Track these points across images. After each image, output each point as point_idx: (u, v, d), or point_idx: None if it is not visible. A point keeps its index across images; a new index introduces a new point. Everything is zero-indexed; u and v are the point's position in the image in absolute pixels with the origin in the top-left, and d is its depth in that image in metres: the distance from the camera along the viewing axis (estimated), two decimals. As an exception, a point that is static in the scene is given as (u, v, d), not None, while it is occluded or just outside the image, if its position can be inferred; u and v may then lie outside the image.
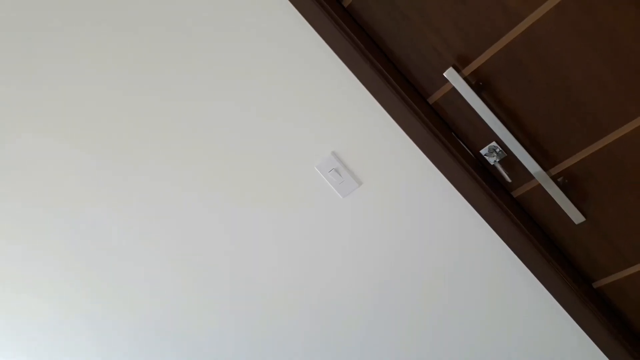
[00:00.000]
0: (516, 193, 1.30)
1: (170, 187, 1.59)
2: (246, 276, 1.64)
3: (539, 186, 1.25)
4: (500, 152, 1.25)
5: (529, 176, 1.25)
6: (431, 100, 1.28)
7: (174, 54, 1.41)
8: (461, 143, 1.30)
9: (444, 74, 1.18)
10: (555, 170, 1.22)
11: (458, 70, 1.19)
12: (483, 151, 1.27)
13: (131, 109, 1.52)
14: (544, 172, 1.19)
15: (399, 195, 1.37)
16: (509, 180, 1.25)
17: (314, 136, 1.38)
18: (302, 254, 1.55)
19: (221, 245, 1.63)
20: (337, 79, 1.30)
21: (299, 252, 1.55)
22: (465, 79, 1.19)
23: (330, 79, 1.31)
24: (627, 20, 1.03)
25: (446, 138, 1.27)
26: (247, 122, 1.43)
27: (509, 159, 1.26)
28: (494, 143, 1.25)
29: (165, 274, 1.74)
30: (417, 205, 1.37)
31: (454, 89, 1.23)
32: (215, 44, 1.37)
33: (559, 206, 1.24)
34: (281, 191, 1.48)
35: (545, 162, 1.22)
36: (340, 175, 1.39)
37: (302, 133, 1.39)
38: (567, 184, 1.22)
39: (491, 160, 1.26)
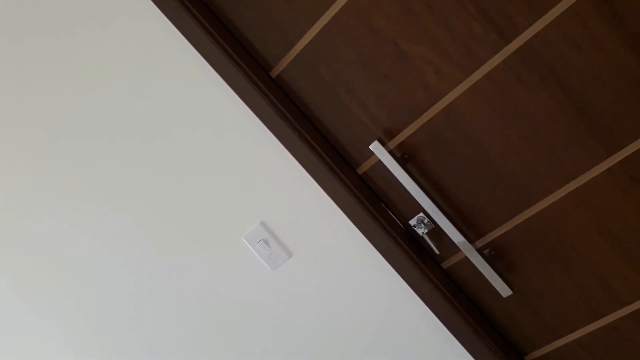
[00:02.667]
0: (446, 264, 1.29)
1: (92, 262, 1.50)
2: (171, 350, 1.54)
3: (466, 258, 1.25)
4: (428, 223, 1.24)
5: (456, 248, 1.25)
6: (360, 170, 1.28)
7: (95, 128, 1.37)
8: (390, 213, 1.29)
9: (370, 147, 1.18)
10: (481, 242, 1.23)
11: (383, 144, 1.20)
12: (412, 222, 1.26)
13: (60, 179, 1.45)
14: (469, 244, 1.19)
15: (330, 267, 1.33)
16: (437, 251, 1.24)
17: (241, 206, 1.34)
18: (230, 330, 1.46)
19: (147, 322, 1.52)
20: (265, 148, 1.28)
21: (226, 329, 1.46)
22: (391, 152, 1.20)
23: (257, 147, 1.29)
24: (537, 101, 1.07)
25: (375, 208, 1.26)
26: (171, 189, 1.38)
27: (436, 230, 1.25)
28: (421, 214, 1.25)
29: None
30: (348, 277, 1.33)
31: (380, 161, 1.23)
32: (141, 111, 1.33)
33: (487, 278, 1.24)
34: (206, 263, 1.41)
35: (471, 233, 1.23)
36: (269, 246, 1.34)
37: (228, 202, 1.35)
38: (494, 256, 1.22)
39: (420, 231, 1.25)
